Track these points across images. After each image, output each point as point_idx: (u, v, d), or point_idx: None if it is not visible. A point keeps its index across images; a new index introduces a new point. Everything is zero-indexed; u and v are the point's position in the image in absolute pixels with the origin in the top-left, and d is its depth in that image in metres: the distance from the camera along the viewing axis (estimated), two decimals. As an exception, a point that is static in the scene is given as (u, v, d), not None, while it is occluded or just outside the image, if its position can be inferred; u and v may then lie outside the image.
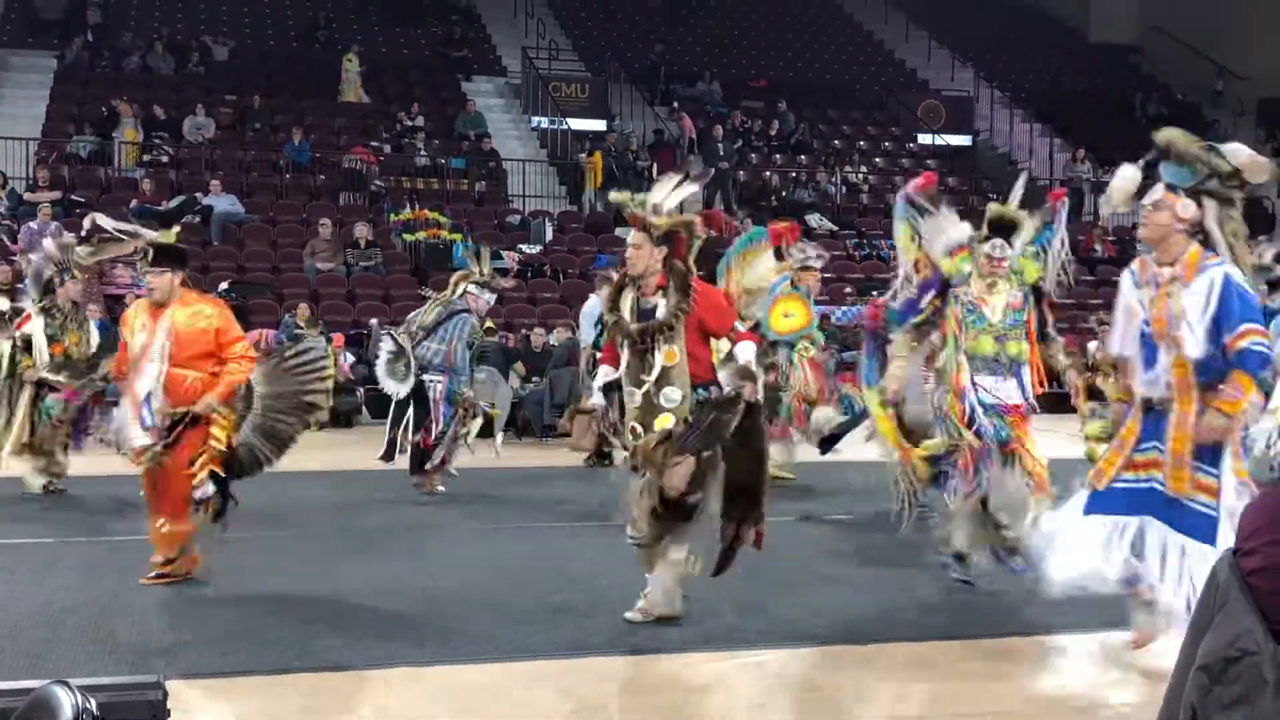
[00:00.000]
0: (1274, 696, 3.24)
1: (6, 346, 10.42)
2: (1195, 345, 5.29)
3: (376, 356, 11.22)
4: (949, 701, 5.41)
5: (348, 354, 16.95)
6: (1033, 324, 7.14)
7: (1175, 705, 3.47)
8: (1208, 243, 5.45)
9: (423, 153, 22.02)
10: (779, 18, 30.42)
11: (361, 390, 16.19)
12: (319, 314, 17.17)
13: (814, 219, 22.99)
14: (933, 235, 7.14)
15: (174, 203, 19.96)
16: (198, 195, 20.09)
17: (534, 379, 15.67)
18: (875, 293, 13.73)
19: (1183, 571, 5.24)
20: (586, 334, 14.15)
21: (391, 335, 10.74)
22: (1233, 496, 5.18)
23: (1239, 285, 5.28)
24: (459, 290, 10.74)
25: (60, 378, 10.20)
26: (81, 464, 10.61)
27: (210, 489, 7.08)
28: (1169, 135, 5.63)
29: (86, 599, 6.79)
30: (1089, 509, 5.56)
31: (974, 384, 6.94)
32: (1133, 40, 31.83)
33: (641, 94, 25.47)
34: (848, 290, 19.36)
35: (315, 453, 13.81)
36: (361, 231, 19.22)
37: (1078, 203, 25.41)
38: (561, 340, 15.94)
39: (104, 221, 8.08)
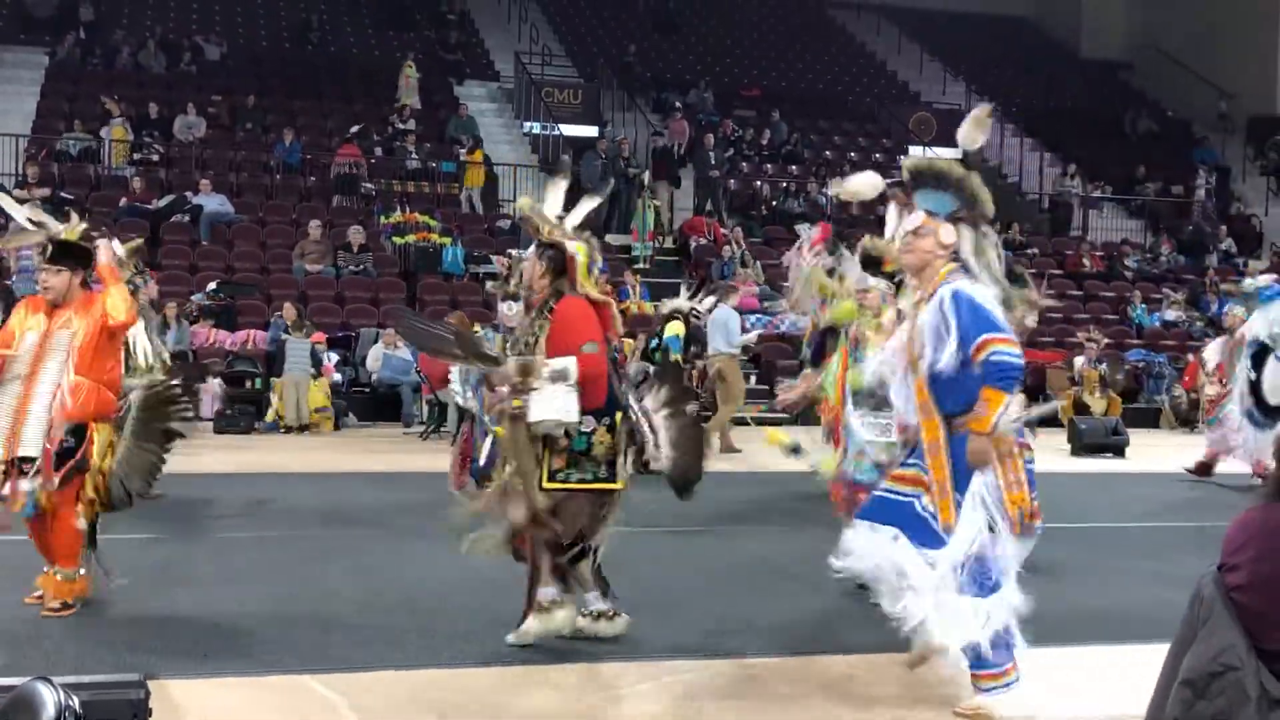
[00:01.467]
0: (1256, 711, 3.25)
1: None
2: (926, 365, 5.11)
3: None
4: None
5: (331, 354, 16.94)
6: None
7: (1158, 719, 3.48)
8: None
9: (414, 156, 22.01)
10: (772, 28, 30.51)
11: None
12: (307, 315, 17.15)
13: (804, 229, 22.99)
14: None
15: (163, 201, 19.94)
16: (187, 194, 20.07)
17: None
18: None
19: (909, 587, 5.08)
20: (719, 344, 14.01)
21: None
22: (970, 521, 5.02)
23: (969, 298, 5.05)
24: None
25: None
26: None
27: (82, 524, 6.44)
28: (919, 162, 5.48)
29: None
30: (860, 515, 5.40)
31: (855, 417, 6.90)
32: (1123, 57, 31.98)
33: (635, 102, 25.49)
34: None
35: (302, 454, 13.87)
36: (352, 234, 19.20)
37: (1066, 218, 25.51)
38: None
39: (7, 205, 7.24)
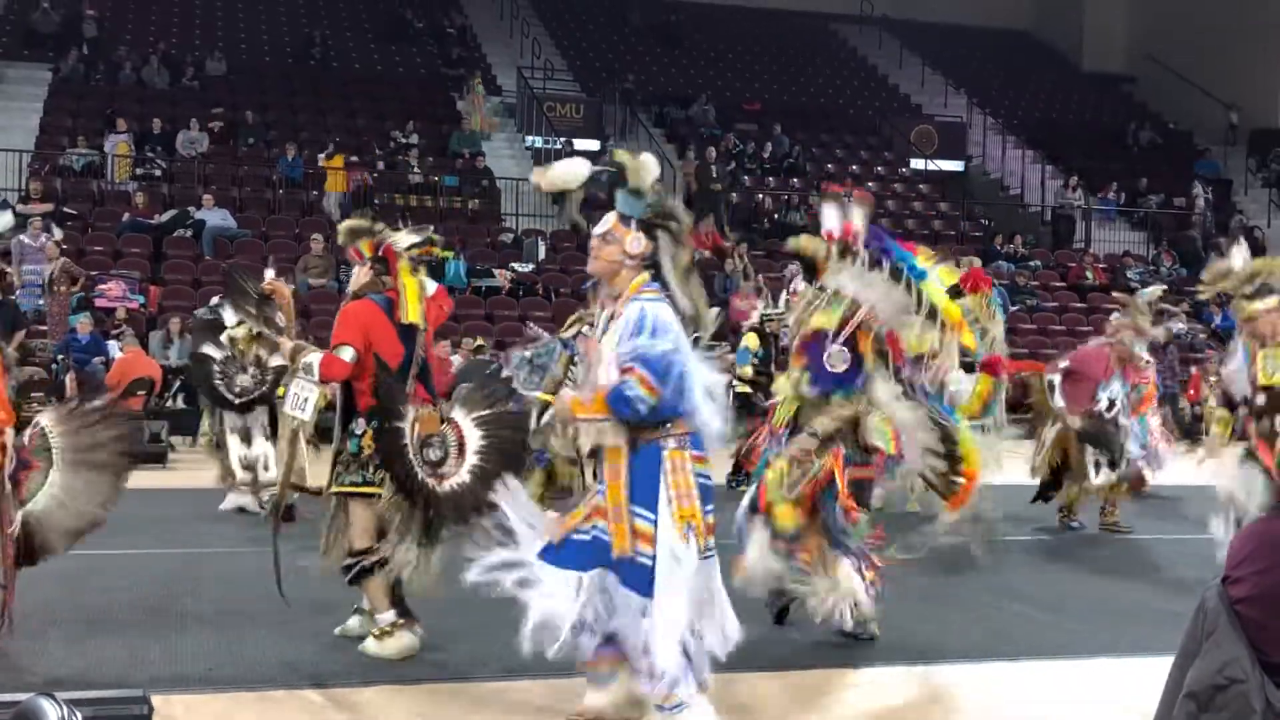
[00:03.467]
0: (1261, 724, 3.24)
1: None
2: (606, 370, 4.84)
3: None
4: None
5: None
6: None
7: (1163, 732, 3.47)
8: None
9: (416, 170, 22.05)
10: (773, 41, 30.54)
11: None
12: (309, 330, 17.15)
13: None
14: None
15: (166, 216, 19.97)
16: (190, 209, 20.09)
17: (522, 397, 15.64)
18: None
19: (619, 623, 4.81)
20: None
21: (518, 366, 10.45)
22: (673, 537, 4.75)
23: (655, 320, 4.77)
24: (573, 330, 10.38)
25: None
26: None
27: None
28: (620, 157, 5.13)
29: (70, 613, 6.76)
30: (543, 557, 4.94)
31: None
32: (1125, 69, 32.02)
33: (637, 116, 25.52)
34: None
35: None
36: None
37: (1069, 231, 25.53)
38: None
39: None
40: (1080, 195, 25.89)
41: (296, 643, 6.25)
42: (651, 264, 5.01)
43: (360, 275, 6.20)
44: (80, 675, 5.60)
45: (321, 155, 21.57)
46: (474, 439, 6.01)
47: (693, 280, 5.06)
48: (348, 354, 5.92)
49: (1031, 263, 23.74)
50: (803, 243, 6.54)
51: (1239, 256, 7.37)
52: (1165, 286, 15.77)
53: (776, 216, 23.77)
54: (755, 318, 13.35)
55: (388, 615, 6.05)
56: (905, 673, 6.13)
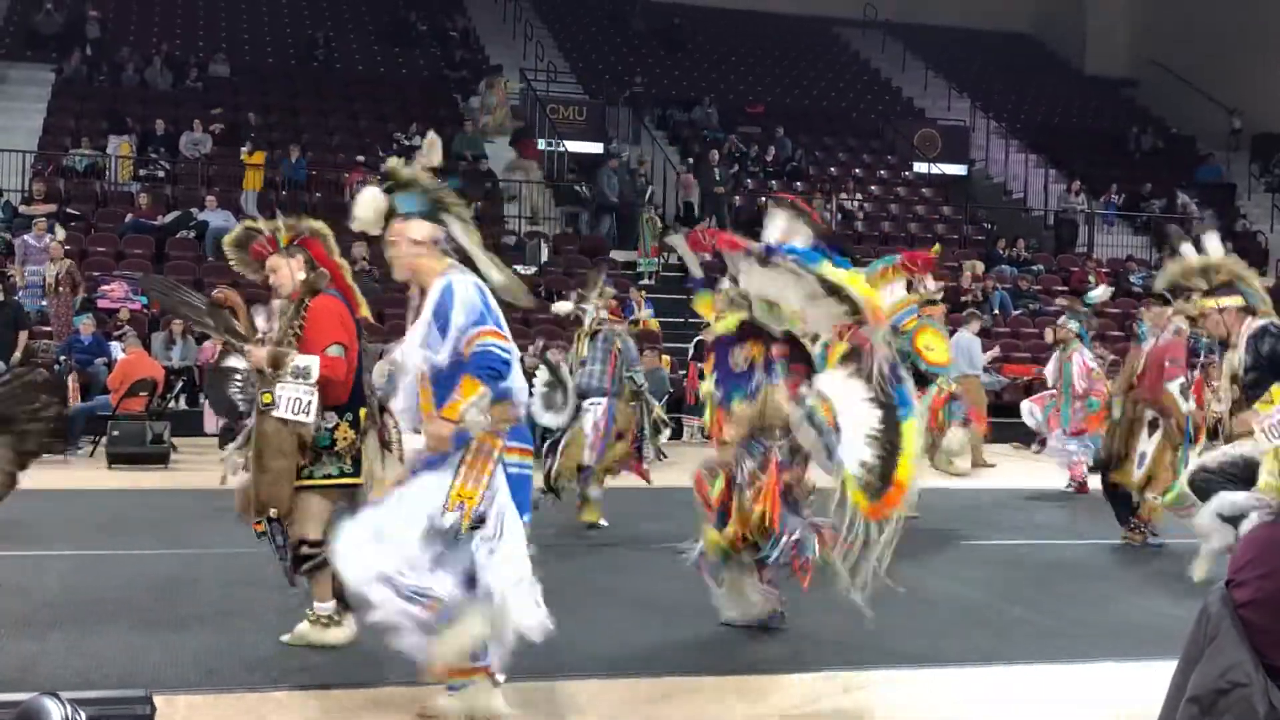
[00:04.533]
0: (1264, 728, 3.24)
1: None
2: (426, 363, 4.98)
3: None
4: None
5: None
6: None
7: (1166, 736, 3.46)
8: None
9: (419, 172, 22.01)
10: (776, 44, 30.54)
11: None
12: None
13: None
14: None
15: (169, 217, 19.97)
16: (193, 210, 20.10)
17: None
18: None
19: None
20: (963, 366, 13.56)
21: (549, 363, 10.45)
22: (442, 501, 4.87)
23: (460, 291, 4.93)
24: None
25: None
26: (61, 478, 10.56)
27: None
28: (390, 164, 5.35)
29: (72, 613, 6.76)
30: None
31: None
32: (1128, 74, 32.02)
33: (640, 119, 25.51)
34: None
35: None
36: (356, 249, 19.20)
37: (1071, 235, 25.51)
38: (554, 361, 15.93)
39: None
40: (1083, 199, 25.87)
41: (301, 644, 6.24)
42: (456, 249, 5.14)
43: (290, 271, 6.13)
44: (81, 675, 5.60)
45: (243, 149, 21.51)
46: None
47: (486, 255, 5.18)
48: (342, 351, 6.00)
49: (1034, 267, 23.72)
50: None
51: (1191, 252, 7.31)
52: (1113, 288, 15.75)
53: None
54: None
55: (329, 605, 6.10)
56: (904, 675, 6.13)
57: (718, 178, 23.22)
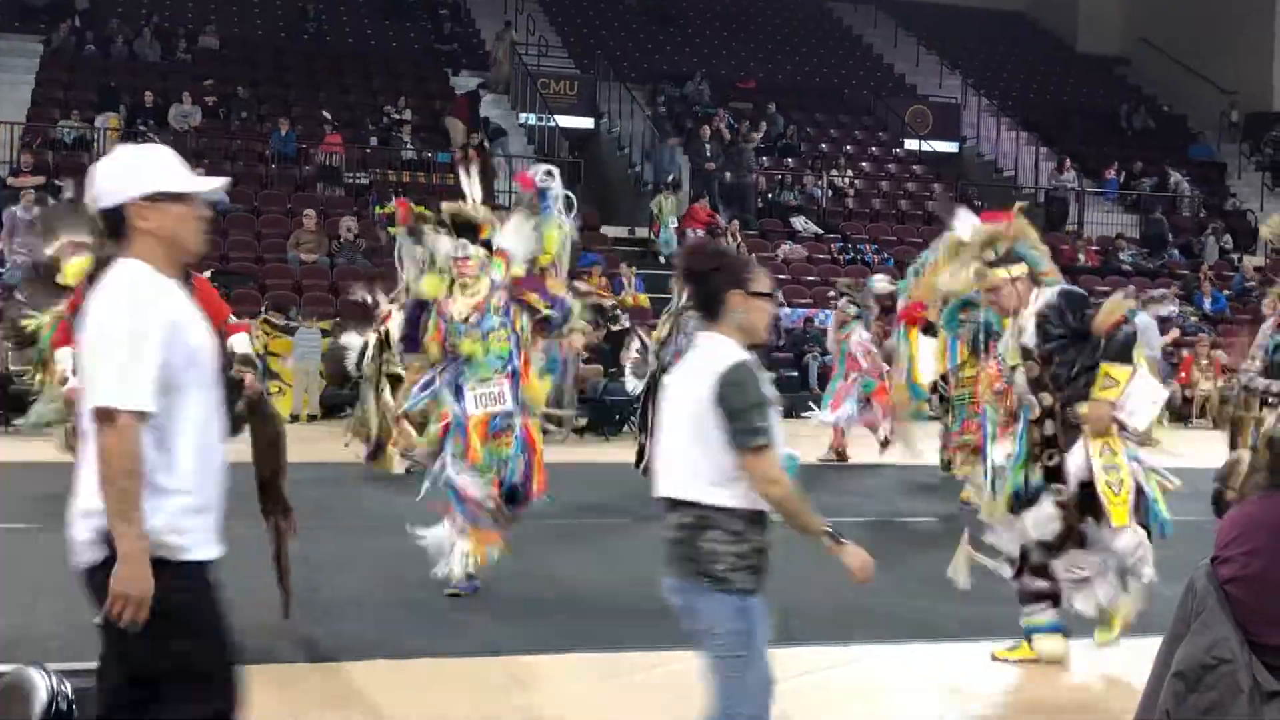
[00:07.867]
0: (1249, 704, 3.25)
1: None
2: None
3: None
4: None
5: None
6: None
7: (1151, 711, 3.48)
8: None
9: (409, 146, 21.97)
10: (768, 20, 30.46)
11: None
12: (302, 305, 17.15)
13: (799, 222, 23.04)
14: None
15: (158, 190, 19.89)
16: (182, 183, 20.01)
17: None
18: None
19: None
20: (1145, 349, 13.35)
21: (640, 334, 10.56)
22: None
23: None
24: (667, 329, 10.33)
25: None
26: (52, 451, 10.53)
27: None
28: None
29: (61, 585, 6.73)
30: None
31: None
32: (1120, 52, 31.99)
33: (631, 93, 25.40)
34: (831, 294, 19.37)
35: (303, 445, 13.80)
36: (344, 225, 19.16)
37: (1062, 212, 25.50)
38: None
39: None
40: (1074, 177, 25.86)
41: (293, 617, 6.21)
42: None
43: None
44: (69, 647, 5.59)
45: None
46: None
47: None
48: None
49: (1024, 245, 23.72)
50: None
51: (965, 224, 6.44)
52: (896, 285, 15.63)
53: (770, 195, 23.76)
54: None
55: None
56: (900, 650, 6.15)
57: (708, 153, 23.14)
